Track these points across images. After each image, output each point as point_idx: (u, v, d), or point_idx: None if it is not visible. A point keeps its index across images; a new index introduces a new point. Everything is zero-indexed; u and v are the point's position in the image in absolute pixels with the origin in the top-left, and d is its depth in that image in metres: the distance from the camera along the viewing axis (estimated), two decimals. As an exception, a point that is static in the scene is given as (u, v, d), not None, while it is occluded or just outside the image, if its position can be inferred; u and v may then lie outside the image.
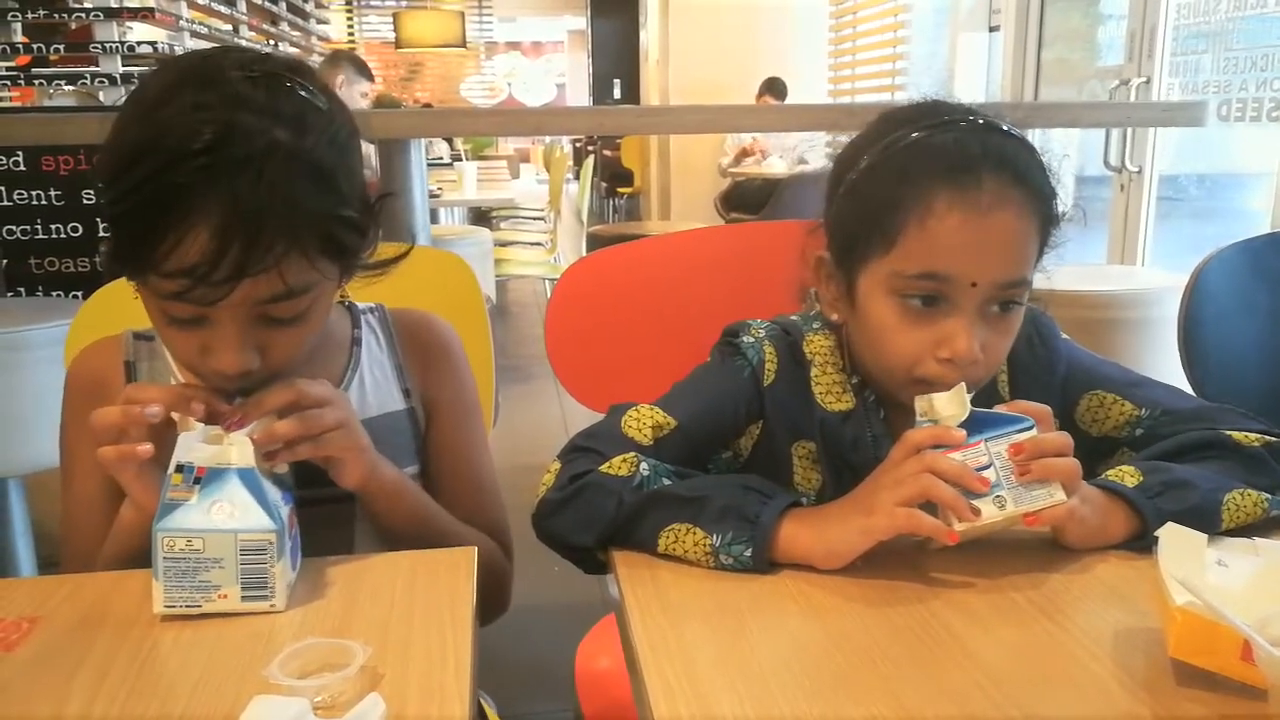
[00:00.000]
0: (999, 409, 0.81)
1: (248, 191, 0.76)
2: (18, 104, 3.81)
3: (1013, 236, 0.85)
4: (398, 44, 11.27)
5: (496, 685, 1.28)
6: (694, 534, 0.80)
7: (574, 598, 1.75)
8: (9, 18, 3.71)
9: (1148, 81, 3.33)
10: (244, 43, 5.35)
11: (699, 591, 0.77)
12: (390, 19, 11.33)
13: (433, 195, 4.28)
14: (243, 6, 5.61)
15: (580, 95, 13.32)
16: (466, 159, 5.85)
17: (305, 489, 0.85)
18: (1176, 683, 0.63)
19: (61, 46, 3.79)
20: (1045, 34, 4.21)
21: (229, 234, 0.75)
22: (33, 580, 0.90)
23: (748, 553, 0.79)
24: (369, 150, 2.56)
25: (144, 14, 3.82)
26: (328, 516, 0.94)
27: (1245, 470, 0.86)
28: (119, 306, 1.03)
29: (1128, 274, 2.76)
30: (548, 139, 9.20)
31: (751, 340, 0.97)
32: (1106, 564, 0.80)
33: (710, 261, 1.33)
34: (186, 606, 0.74)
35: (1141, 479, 0.83)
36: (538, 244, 5.64)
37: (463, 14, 11.43)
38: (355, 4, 11.82)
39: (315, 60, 6.34)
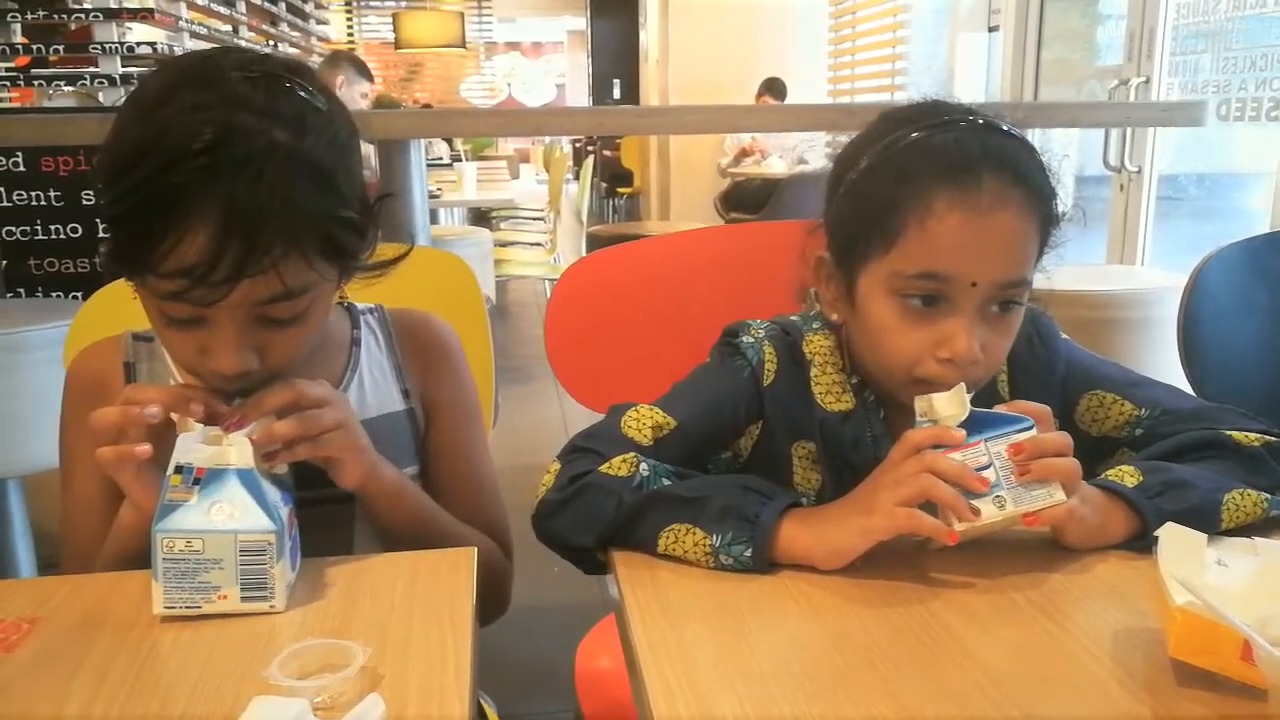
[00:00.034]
0: (999, 409, 0.81)
1: (246, 192, 0.76)
2: (17, 105, 3.81)
3: (1013, 236, 0.85)
4: (397, 44, 11.26)
5: (496, 685, 1.27)
6: (694, 534, 0.80)
7: (574, 598, 1.75)
8: (8, 18, 3.72)
9: (1147, 81, 3.33)
10: (243, 43, 5.35)
11: (699, 592, 0.77)
12: (390, 19, 11.33)
13: (432, 196, 4.28)
14: (242, 7, 5.61)
15: (580, 95, 13.32)
16: (466, 159, 5.85)
17: (305, 490, 0.85)
18: (1176, 683, 0.63)
19: (61, 47, 3.79)
20: (1044, 34, 4.21)
21: (228, 234, 0.75)
22: (32, 581, 0.90)
23: (748, 553, 0.79)
24: (368, 151, 2.57)
25: (143, 15, 3.83)
26: (327, 517, 0.94)
27: (1245, 470, 0.86)
28: (118, 307, 1.03)
29: (1127, 274, 2.76)
30: (547, 139, 9.20)
31: (751, 340, 0.97)
32: (1106, 564, 0.80)
33: (710, 262, 1.33)
34: (186, 607, 0.74)
35: (1141, 479, 0.83)
36: (537, 244, 5.64)
37: (462, 14, 11.43)
38: (355, 4, 11.82)
39: (315, 61, 6.34)
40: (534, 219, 6.55)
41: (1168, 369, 1.27)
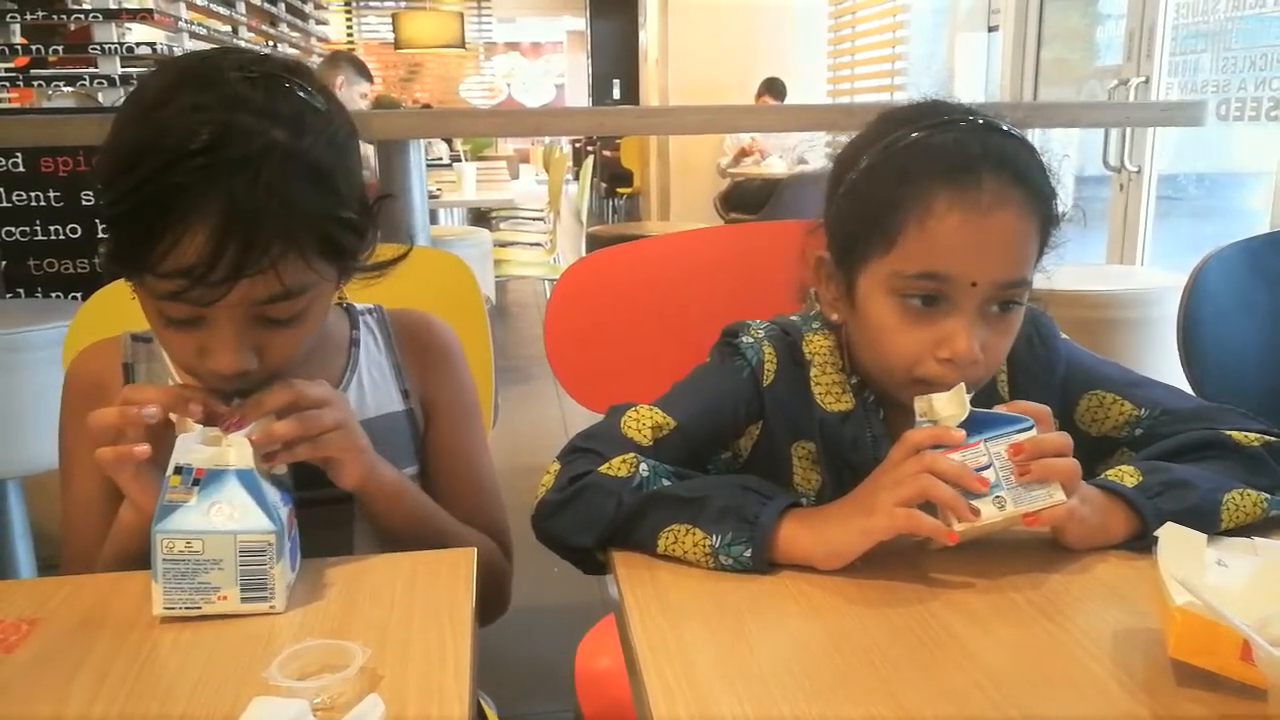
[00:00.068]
0: (999, 409, 0.81)
1: (245, 192, 0.76)
2: (17, 105, 3.81)
3: (1013, 236, 0.85)
4: (397, 45, 11.26)
5: (496, 685, 1.27)
6: (693, 534, 0.80)
7: (574, 598, 1.75)
8: (8, 19, 3.72)
9: (1146, 81, 3.33)
10: (243, 44, 5.35)
11: (698, 592, 0.77)
12: (389, 20, 11.32)
13: (432, 196, 4.28)
14: (241, 8, 5.61)
15: (579, 96, 13.32)
16: (466, 160, 5.85)
17: (304, 490, 0.85)
18: (1176, 683, 0.63)
19: (60, 48, 3.79)
20: (1044, 34, 4.21)
21: (226, 234, 0.75)
22: (32, 582, 0.90)
23: (747, 553, 0.79)
24: (368, 151, 2.56)
25: (143, 15, 3.83)
26: (327, 517, 0.93)
27: (1245, 470, 0.86)
28: (118, 308, 1.03)
29: (1127, 274, 2.76)
30: (547, 139, 9.20)
31: (751, 341, 0.97)
32: (1106, 564, 0.80)
33: (710, 262, 1.33)
34: (186, 608, 0.74)
35: (1141, 479, 0.83)
36: (537, 244, 5.64)
37: (462, 15, 11.42)
38: (354, 5, 11.82)
39: (314, 61, 6.34)
40: (534, 219, 6.55)
41: (1167, 369, 1.27)
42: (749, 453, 0.97)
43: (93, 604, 0.78)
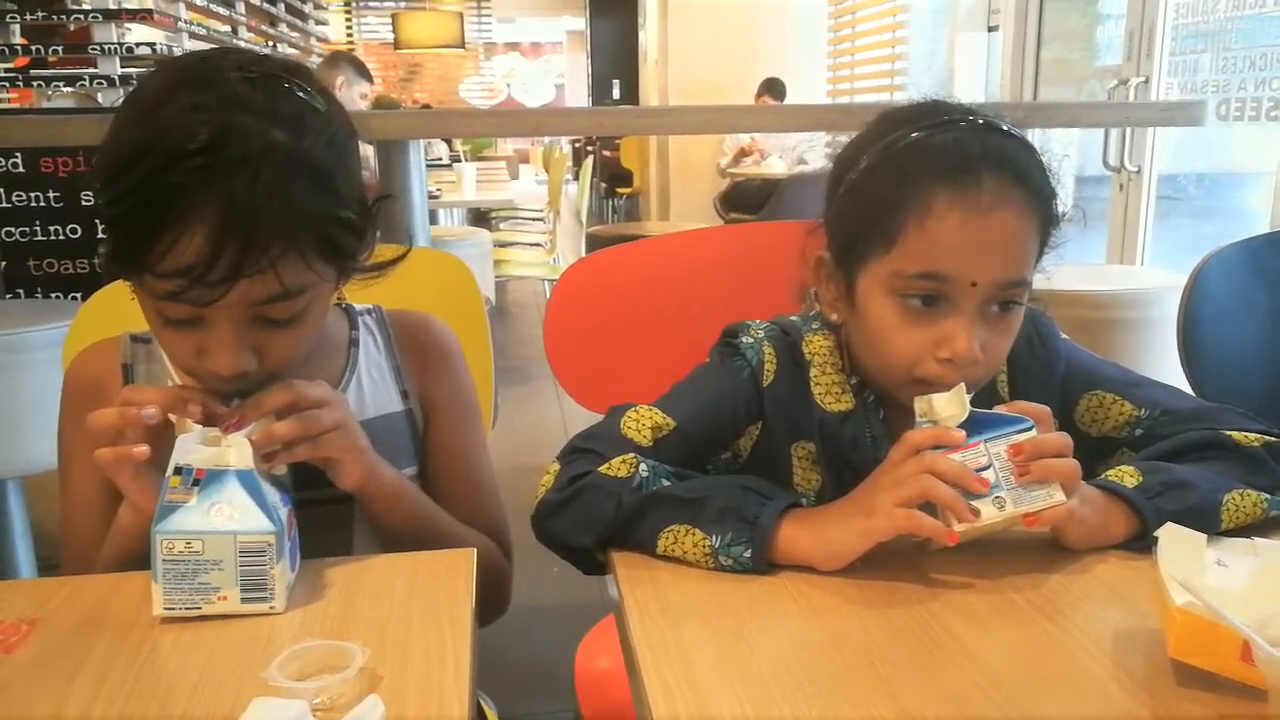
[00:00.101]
0: (998, 410, 0.81)
1: (244, 192, 0.76)
2: (16, 105, 3.81)
3: (1013, 236, 0.85)
4: (396, 45, 11.26)
5: (496, 686, 1.27)
6: (693, 535, 0.80)
7: (574, 598, 1.75)
8: (8, 19, 3.72)
9: (1146, 81, 3.33)
10: (242, 44, 5.35)
11: (698, 592, 0.77)
12: (389, 20, 11.32)
13: (432, 196, 4.28)
14: (241, 8, 5.61)
15: (579, 96, 13.32)
16: (465, 160, 5.84)
17: (304, 490, 0.85)
18: (1176, 683, 0.63)
19: (60, 48, 3.79)
20: (1044, 34, 4.21)
21: (225, 234, 0.75)
22: (32, 582, 0.90)
23: (747, 554, 0.78)
24: (367, 152, 2.56)
25: (142, 15, 3.83)
26: (326, 518, 0.93)
27: (1245, 470, 0.86)
28: (118, 308, 1.03)
29: (1127, 274, 2.76)
30: (547, 140, 9.19)
31: (750, 341, 0.97)
32: (1106, 564, 0.80)
33: (710, 262, 1.33)
34: (186, 608, 0.74)
35: (1141, 479, 0.83)
36: (537, 245, 5.64)
37: (461, 15, 11.42)
38: (354, 5, 11.81)
39: (314, 61, 6.34)
40: (533, 219, 6.55)
41: (1167, 369, 1.27)
42: (749, 453, 0.97)
43: (93, 604, 0.78)
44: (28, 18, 3.76)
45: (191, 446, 0.78)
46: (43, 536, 2.17)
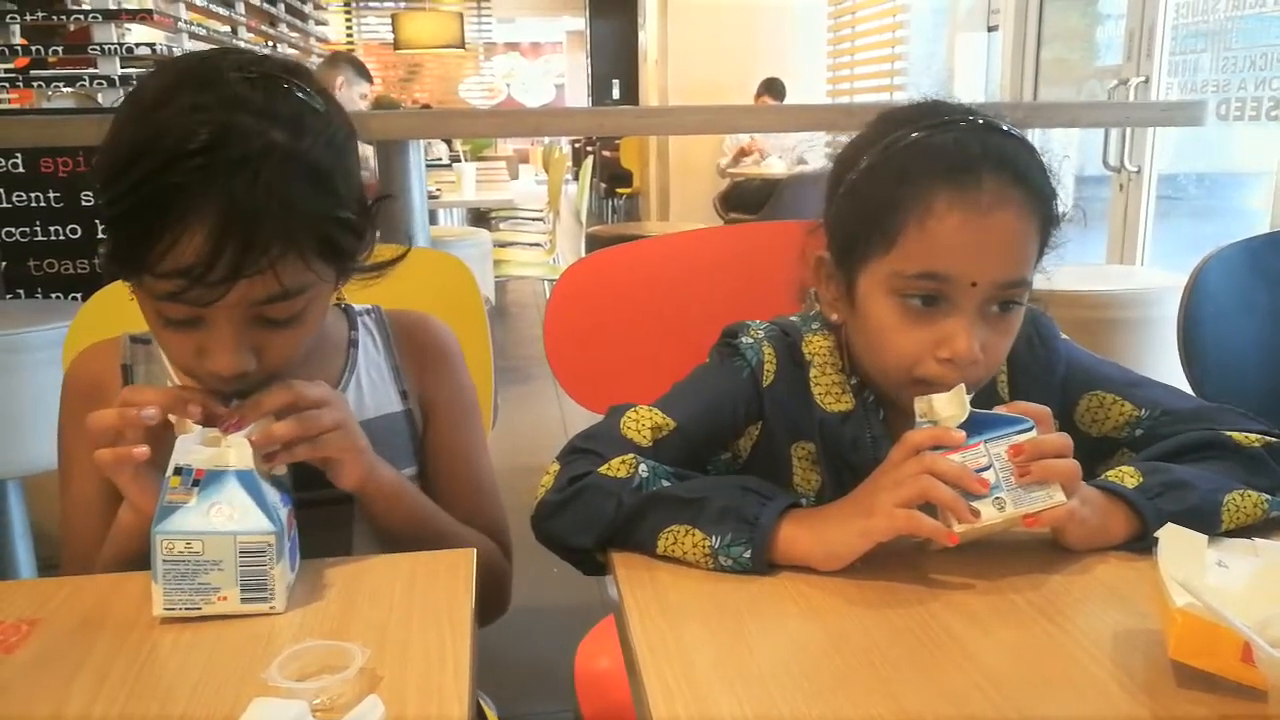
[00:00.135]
0: (998, 410, 0.81)
1: (244, 192, 0.76)
2: (16, 106, 3.81)
3: (1013, 236, 0.85)
4: (396, 45, 11.26)
5: (496, 686, 1.27)
6: (693, 535, 0.80)
7: (573, 599, 1.75)
8: (8, 20, 3.72)
9: (1146, 81, 3.33)
10: (242, 44, 5.35)
11: (698, 593, 0.77)
12: (389, 20, 11.32)
13: (431, 196, 4.28)
14: (241, 8, 5.62)
15: (579, 96, 13.32)
16: (465, 160, 5.84)
17: (303, 491, 0.85)
18: (1176, 684, 0.63)
19: (60, 48, 3.79)
20: (1044, 34, 4.21)
21: (225, 235, 0.75)
22: (32, 582, 0.90)
23: (747, 554, 0.78)
24: (367, 152, 2.56)
25: (142, 16, 3.83)
26: (326, 518, 0.93)
27: (1245, 471, 0.86)
28: (118, 308, 1.03)
29: (1127, 274, 2.76)
30: (546, 140, 9.19)
31: (750, 341, 0.97)
32: (1106, 565, 0.80)
33: (709, 262, 1.33)
34: (186, 609, 0.74)
35: (1141, 480, 0.83)
36: (537, 245, 5.64)
37: (461, 15, 11.43)
38: (354, 5, 11.82)
39: (314, 61, 6.34)
40: (533, 219, 6.55)
41: (1167, 369, 1.27)
42: (749, 453, 0.97)
43: (93, 605, 0.78)
44: (28, 18, 3.76)
45: (191, 447, 0.78)
46: (43, 536, 2.17)
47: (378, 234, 0.91)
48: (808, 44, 7.07)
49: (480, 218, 6.51)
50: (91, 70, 3.57)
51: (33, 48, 3.75)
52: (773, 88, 6.63)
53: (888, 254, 0.86)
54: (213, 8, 5.11)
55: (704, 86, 7.00)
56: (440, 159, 6.18)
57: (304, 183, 0.79)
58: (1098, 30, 4.21)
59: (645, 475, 0.85)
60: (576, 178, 5.40)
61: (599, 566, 0.86)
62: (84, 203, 2.61)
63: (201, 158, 0.75)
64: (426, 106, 9.46)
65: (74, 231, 2.63)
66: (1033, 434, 0.79)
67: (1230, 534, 0.81)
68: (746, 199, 6.21)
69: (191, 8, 4.68)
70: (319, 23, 8.07)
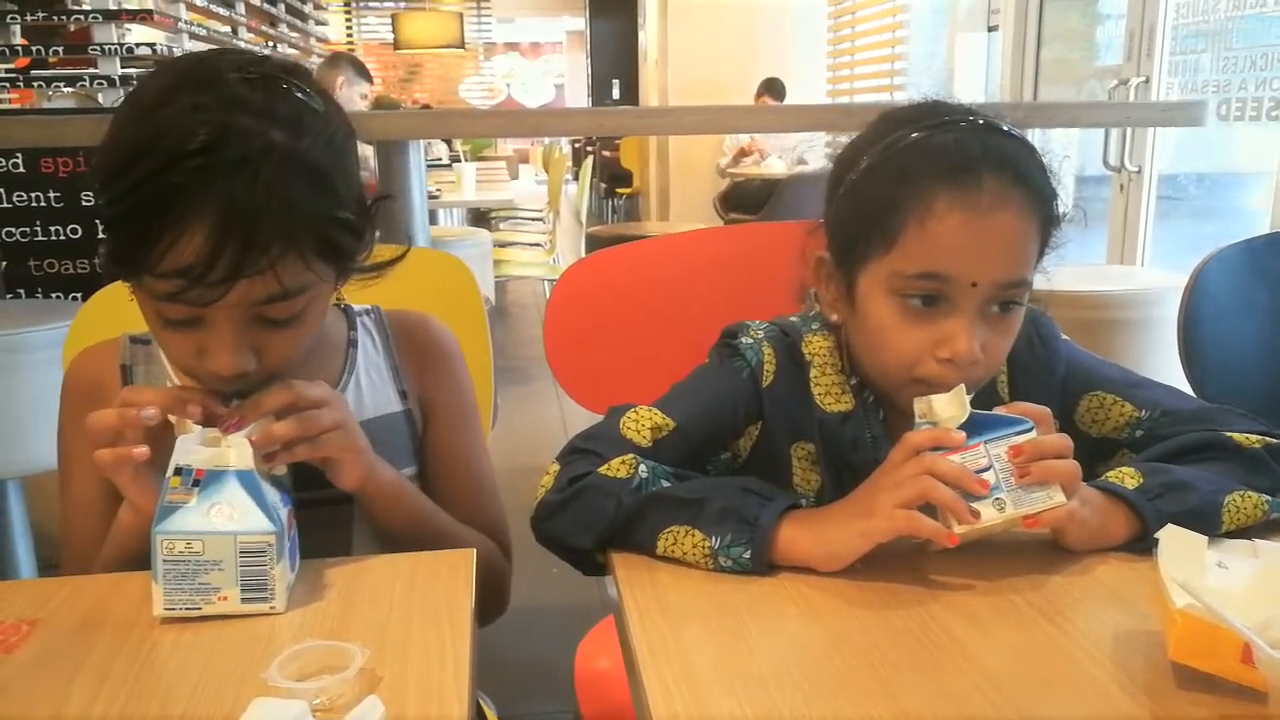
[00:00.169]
0: (998, 411, 0.81)
1: (243, 193, 0.76)
2: (17, 106, 3.81)
3: (1013, 237, 0.85)
4: (396, 45, 11.26)
5: (496, 686, 1.27)
6: (693, 536, 0.80)
7: (573, 599, 1.75)
8: (8, 20, 3.72)
9: (1147, 81, 3.33)
10: (242, 44, 5.35)
11: (698, 594, 0.77)
12: (389, 20, 11.33)
13: (431, 196, 4.27)
14: (241, 8, 5.62)
15: (579, 96, 13.32)
16: (465, 160, 5.84)
17: (303, 491, 0.85)
18: (1176, 685, 0.63)
19: (60, 49, 3.79)
20: (1044, 34, 4.21)
21: (225, 235, 0.75)
22: (32, 582, 0.90)
23: (747, 555, 0.78)
24: (367, 152, 2.56)
25: (142, 16, 3.83)
26: (326, 518, 0.93)
27: (1245, 472, 0.86)
28: (118, 308, 1.03)
29: (1127, 274, 2.76)
30: (546, 140, 9.19)
31: (750, 341, 0.97)
32: (1106, 566, 0.80)
33: (709, 262, 1.33)
34: (186, 609, 0.74)
35: (1141, 481, 0.83)
36: (537, 245, 5.64)
37: (461, 15, 11.43)
38: (354, 5, 11.82)
39: (314, 62, 6.34)
40: (533, 219, 6.55)
41: (1168, 369, 1.27)
42: (748, 453, 0.97)
43: (93, 605, 0.78)
44: (28, 18, 3.76)
45: (191, 447, 0.78)
46: (43, 536, 2.17)
47: (377, 234, 0.91)
48: (808, 44, 7.07)
49: (480, 218, 6.51)
50: (92, 70, 3.57)
51: (33, 48, 3.75)
52: (773, 88, 6.63)
53: (888, 254, 0.86)
54: (213, 8, 5.11)
55: (704, 86, 7.00)
56: (440, 159, 6.18)
57: (303, 183, 0.79)
58: (1098, 30, 4.21)
59: (645, 476, 0.85)
60: (576, 178, 5.40)
61: (599, 567, 0.86)
62: (84, 203, 2.61)
63: (201, 158, 0.75)
64: (426, 106, 9.46)
65: (74, 231, 2.63)
66: (1033, 435, 0.79)
67: (1230, 535, 0.81)
68: (746, 199, 6.21)
69: (192, 8, 4.68)
70: (319, 23, 8.07)
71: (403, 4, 11.69)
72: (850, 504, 0.82)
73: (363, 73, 4.49)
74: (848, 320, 0.93)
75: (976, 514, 0.76)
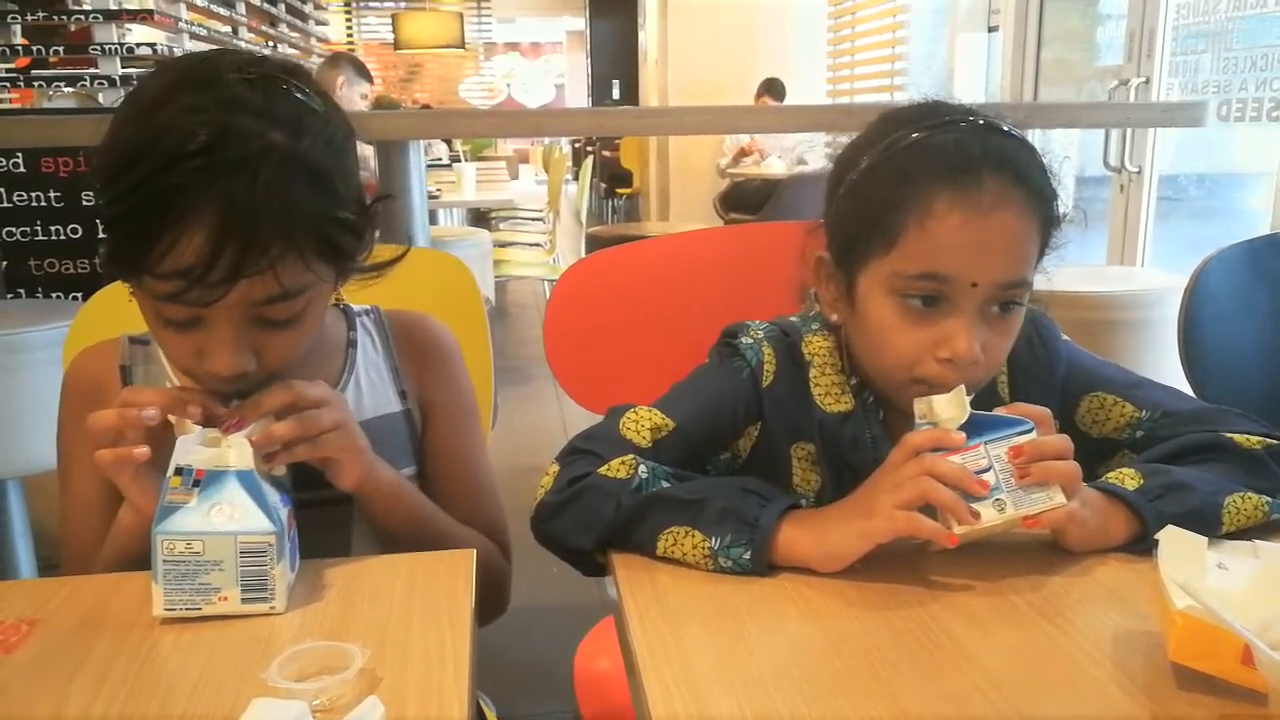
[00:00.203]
0: (999, 411, 0.81)
1: (243, 193, 0.76)
2: (17, 106, 3.81)
3: (1013, 237, 0.85)
4: (396, 45, 11.26)
5: (495, 686, 1.27)
6: (693, 537, 0.80)
7: (573, 599, 1.75)
8: (8, 20, 3.72)
9: (1147, 82, 3.33)
10: (243, 44, 5.35)
11: (698, 594, 0.77)
12: (389, 20, 11.33)
13: (432, 197, 4.27)
14: (241, 8, 5.62)
15: (579, 96, 13.32)
16: (465, 160, 5.84)
17: (303, 491, 0.85)
18: (1176, 686, 0.63)
19: (61, 48, 3.79)
20: (1044, 34, 4.21)
21: (224, 235, 0.75)
22: (32, 582, 0.90)
23: (747, 555, 0.78)
24: (367, 152, 2.56)
25: (143, 16, 3.83)
26: (325, 518, 0.93)
27: (1245, 473, 0.86)
28: (118, 308, 1.03)
29: (1127, 275, 2.76)
30: (546, 140, 9.19)
31: (750, 341, 0.96)
32: (1106, 567, 0.80)
33: (709, 263, 1.33)
34: (186, 609, 0.74)
35: (1142, 481, 0.83)
36: (537, 245, 5.64)
37: (461, 15, 11.43)
38: (354, 5, 11.82)
39: (315, 62, 6.34)
40: (533, 220, 6.55)
41: (1168, 370, 1.27)
42: (748, 454, 0.97)
43: (93, 605, 0.78)
44: (28, 18, 3.76)
45: (191, 447, 0.78)
46: (43, 536, 2.17)
47: (377, 234, 0.91)
48: (808, 44, 7.07)
49: (480, 218, 6.51)
50: (92, 70, 3.57)
51: (33, 48, 3.75)
52: (773, 88, 6.62)
53: (888, 254, 0.86)
54: (213, 8, 5.11)
55: (704, 86, 7.00)
56: (440, 159, 6.18)
57: (303, 183, 0.79)
58: (1098, 31, 4.21)
59: (645, 476, 0.85)
60: (576, 178, 5.40)
61: (599, 568, 0.86)
62: (84, 203, 2.61)
63: (201, 159, 0.75)
64: (426, 106, 9.46)
65: (74, 231, 2.63)
66: (1033, 436, 0.79)
67: (1231, 536, 0.81)
68: (746, 199, 6.21)
69: (192, 8, 4.68)
70: (319, 23, 8.07)
71: (403, 4, 11.69)
72: (850, 504, 0.82)
73: (363, 73, 4.49)
74: (848, 320, 0.93)
75: (976, 515, 0.76)
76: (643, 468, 0.86)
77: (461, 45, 11.42)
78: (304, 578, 0.81)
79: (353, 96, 4.26)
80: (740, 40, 7.11)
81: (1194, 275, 1.35)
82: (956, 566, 0.79)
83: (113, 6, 3.66)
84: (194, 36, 4.54)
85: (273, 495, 0.79)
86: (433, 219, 4.84)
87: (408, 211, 2.39)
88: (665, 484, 0.85)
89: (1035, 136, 0.92)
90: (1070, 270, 2.29)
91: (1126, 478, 0.84)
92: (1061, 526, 0.80)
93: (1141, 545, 0.80)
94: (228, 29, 5.52)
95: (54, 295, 2.66)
